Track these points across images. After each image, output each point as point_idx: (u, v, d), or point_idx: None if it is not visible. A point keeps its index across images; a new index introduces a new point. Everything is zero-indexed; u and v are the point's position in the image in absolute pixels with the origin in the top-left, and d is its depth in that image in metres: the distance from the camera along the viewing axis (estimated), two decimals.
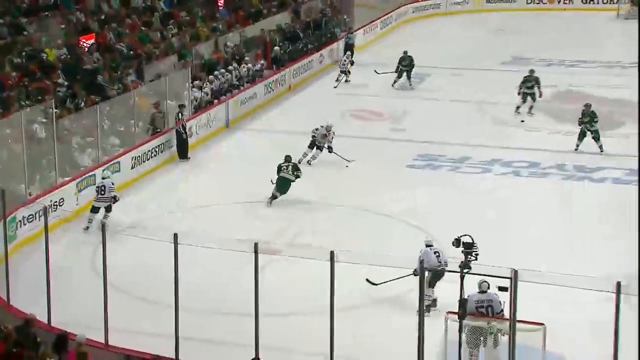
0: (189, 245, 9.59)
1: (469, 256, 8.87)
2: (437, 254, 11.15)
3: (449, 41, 30.41)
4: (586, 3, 36.37)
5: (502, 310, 9.34)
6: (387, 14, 32.91)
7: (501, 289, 8.76)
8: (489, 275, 9.07)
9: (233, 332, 10.53)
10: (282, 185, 15.49)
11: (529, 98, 20.69)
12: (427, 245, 11.34)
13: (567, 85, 23.38)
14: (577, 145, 18.22)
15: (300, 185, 16.28)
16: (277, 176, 15.45)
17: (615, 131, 19.46)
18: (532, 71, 21.10)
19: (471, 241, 8.91)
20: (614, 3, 35.27)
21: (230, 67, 22.14)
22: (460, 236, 9.00)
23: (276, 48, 24.82)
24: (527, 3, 36.84)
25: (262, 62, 23.81)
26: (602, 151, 18.05)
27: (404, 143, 18.92)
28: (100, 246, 9.96)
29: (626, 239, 13.36)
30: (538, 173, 16.89)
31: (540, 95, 20.65)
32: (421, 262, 9.34)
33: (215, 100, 20.75)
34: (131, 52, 20.60)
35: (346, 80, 24.18)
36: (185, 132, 18.17)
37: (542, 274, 10.40)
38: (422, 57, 24.38)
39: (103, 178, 14.80)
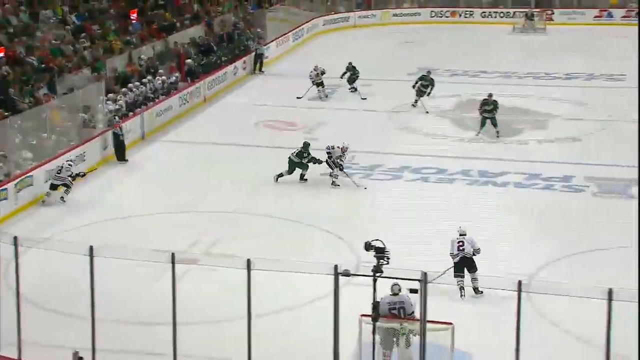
0: (105, 258, 9.36)
1: (381, 260, 8.95)
2: (461, 243, 11.81)
3: (359, 53, 30.68)
4: (485, 17, 37.62)
5: (413, 312, 9.48)
6: (298, 27, 33.09)
7: (412, 290, 8.90)
8: (400, 278, 9.20)
9: (151, 342, 10.32)
10: (289, 166, 16.77)
11: (419, 94, 22.47)
12: (460, 234, 11.99)
13: (470, 94, 23.98)
14: (478, 132, 19.81)
15: (216, 195, 16.17)
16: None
17: (514, 138, 20.07)
18: (429, 72, 22.85)
19: (382, 246, 8.99)
20: (509, 17, 36.58)
21: (144, 80, 21.80)
22: (372, 241, 9.07)
23: (190, 60, 24.58)
24: (431, 16, 37.77)
25: (176, 74, 23.52)
26: (498, 136, 19.62)
27: (318, 152, 19.02)
28: (13, 260, 9.61)
29: (527, 240, 13.83)
30: (445, 179, 17.23)
31: (429, 95, 22.37)
32: (335, 267, 9.35)
33: (131, 113, 20.38)
34: (42, 66, 20.01)
35: (324, 95, 23.69)
36: (122, 134, 18.37)
37: (450, 276, 10.65)
38: (333, 69, 24.60)
39: (66, 161, 16.22)
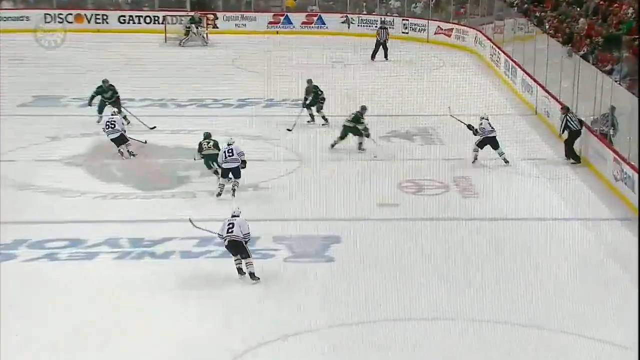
0: None
1: None
2: (231, 225, 15.53)
3: None
4: (125, 23, 38.31)
5: None
6: None
7: None
8: None
9: None
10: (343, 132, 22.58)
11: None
12: (233, 215, 15.79)
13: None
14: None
15: None
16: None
17: (174, 190, 20.39)
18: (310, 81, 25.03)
19: None
20: (159, 23, 37.57)
21: None
22: None
23: None
24: (47, 22, 37.44)
25: None
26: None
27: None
28: None
29: (205, 328, 14.21)
30: (82, 254, 16.92)
31: (314, 105, 25.08)
32: None
33: None
34: None
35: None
36: None
37: None
38: None
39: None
